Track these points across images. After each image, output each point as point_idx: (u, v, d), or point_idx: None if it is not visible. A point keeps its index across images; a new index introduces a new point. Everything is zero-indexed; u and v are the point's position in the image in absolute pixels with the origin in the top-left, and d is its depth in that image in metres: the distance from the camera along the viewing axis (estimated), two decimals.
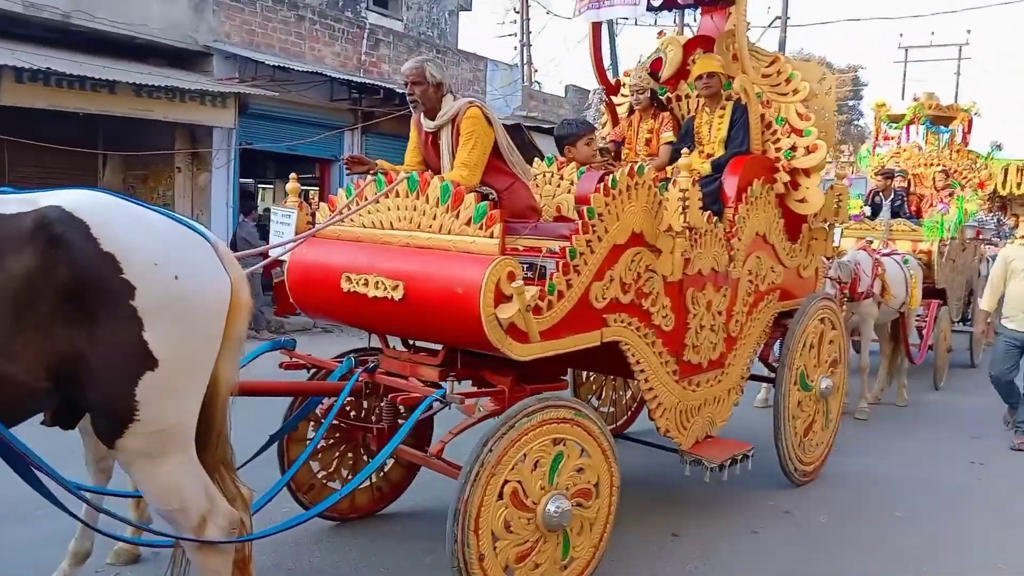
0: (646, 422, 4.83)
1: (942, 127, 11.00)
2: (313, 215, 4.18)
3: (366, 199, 3.74)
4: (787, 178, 5.02)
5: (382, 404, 3.96)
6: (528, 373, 3.79)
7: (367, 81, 13.65)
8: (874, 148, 11.29)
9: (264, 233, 9.17)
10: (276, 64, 12.28)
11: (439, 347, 3.74)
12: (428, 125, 4.12)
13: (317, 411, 3.95)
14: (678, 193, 3.89)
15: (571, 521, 3.38)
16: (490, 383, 3.72)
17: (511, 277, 3.21)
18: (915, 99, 11.01)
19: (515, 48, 29.45)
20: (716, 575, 4.01)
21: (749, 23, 5.19)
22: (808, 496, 5.15)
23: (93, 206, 2.32)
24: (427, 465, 3.84)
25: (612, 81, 5.79)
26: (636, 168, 3.83)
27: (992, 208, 11.92)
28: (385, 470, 4.52)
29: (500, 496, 3.17)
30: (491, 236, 3.29)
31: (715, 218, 4.50)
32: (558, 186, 4.84)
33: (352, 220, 3.83)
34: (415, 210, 3.56)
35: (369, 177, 3.80)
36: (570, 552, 3.45)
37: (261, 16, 12.97)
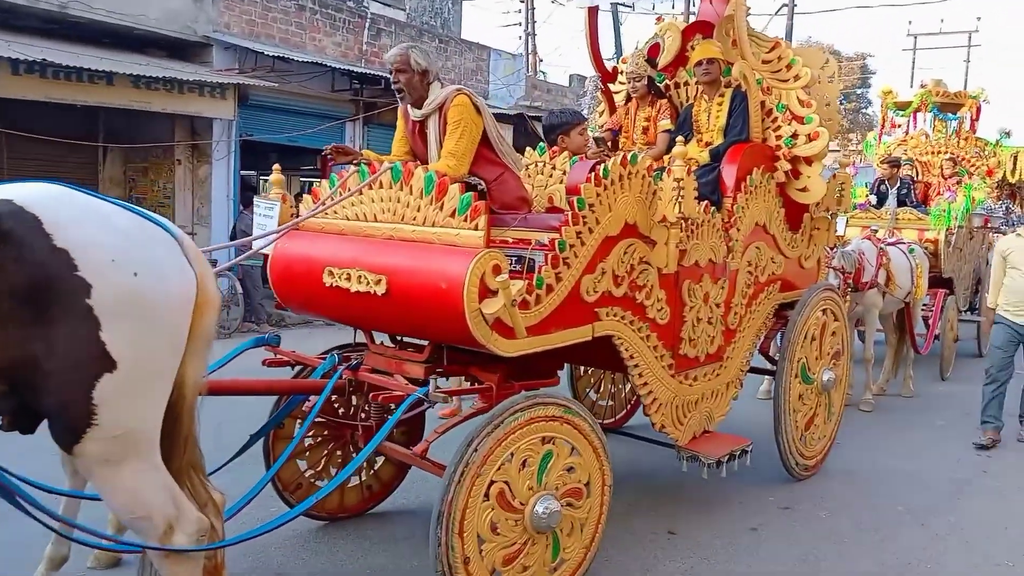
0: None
1: (950, 114, 10.80)
2: (297, 208, 4.08)
3: (349, 190, 3.62)
4: (788, 167, 4.88)
5: (369, 401, 3.86)
6: (520, 369, 3.68)
7: (368, 71, 13.53)
8: (880, 136, 11.10)
9: None
10: (276, 55, 12.18)
11: (426, 343, 3.64)
12: (415, 114, 4.00)
13: (304, 408, 3.86)
14: (672, 183, 3.77)
15: (561, 522, 3.28)
16: (480, 380, 3.62)
17: (496, 271, 3.10)
18: (922, 86, 10.81)
19: (520, 38, 29.31)
20: (713, 575, 3.90)
21: (749, 7, 5.03)
22: (809, 491, 5.03)
23: (46, 199, 2.21)
24: (415, 464, 3.74)
25: (609, 68, 5.65)
26: (629, 157, 3.70)
27: (1000, 196, 11.71)
28: (375, 468, 4.43)
29: (486, 497, 3.06)
30: (476, 228, 3.17)
31: (713, 208, 4.37)
32: (550, 176, 4.72)
33: (336, 212, 3.72)
34: (399, 202, 3.45)
35: (352, 168, 3.69)
36: (560, 554, 3.35)
37: (261, 6, 12.85)
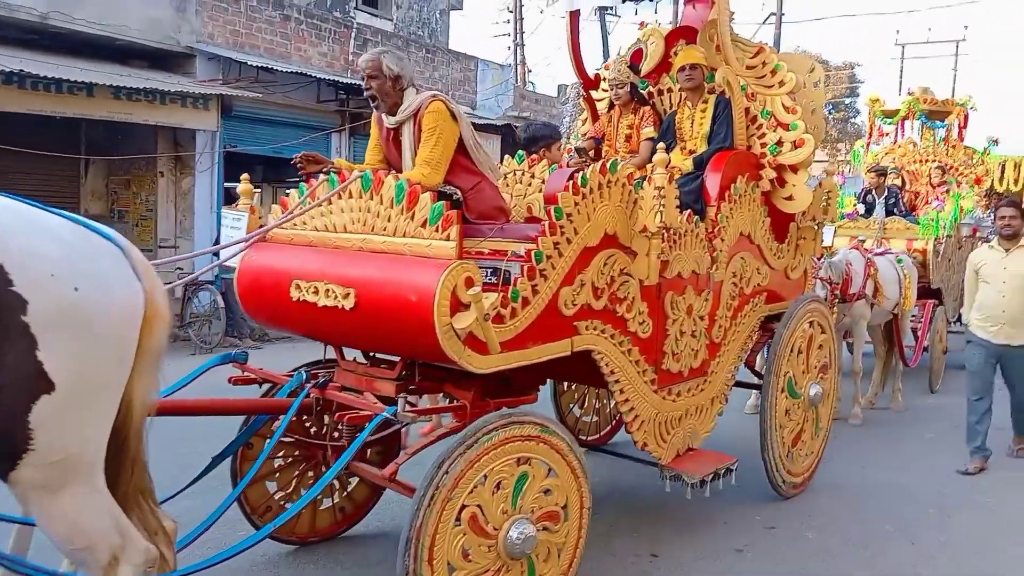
0: None
1: (937, 122, 10.75)
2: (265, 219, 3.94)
3: (318, 199, 3.49)
4: (773, 175, 4.77)
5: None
6: (497, 385, 3.56)
7: (354, 82, 13.39)
8: (868, 145, 11.04)
9: None
10: (260, 65, 12.06)
11: (397, 359, 3.50)
12: (389, 121, 3.88)
13: (273, 427, 3.71)
14: (653, 191, 3.66)
15: (536, 547, 3.13)
16: (455, 397, 3.49)
17: (469, 283, 2.97)
18: (910, 93, 10.76)
19: (508, 48, 29.29)
20: None
21: (733, 12, 4.95)
22: (796, 508, 4.90)
23: None
24: (386, 485, 3.59)
25: (592, 75, 5.54)
26: (608, 164, 3.59)
27: (989, 205, 11.65)
28: (349, 489, 4.28)
29: (457, 521, 2.93)
30: (448, 239, 3.05)
31: (696, 218, 4.26)
32: (529, 185, 4.60)
33: (305, 223, 3.58)
34: (369, 211, 3.32)
35: (322, 176, 3.56)
36: None
37: (245, 16, 12.72)
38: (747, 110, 4.76)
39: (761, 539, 4.44)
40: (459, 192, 3.78)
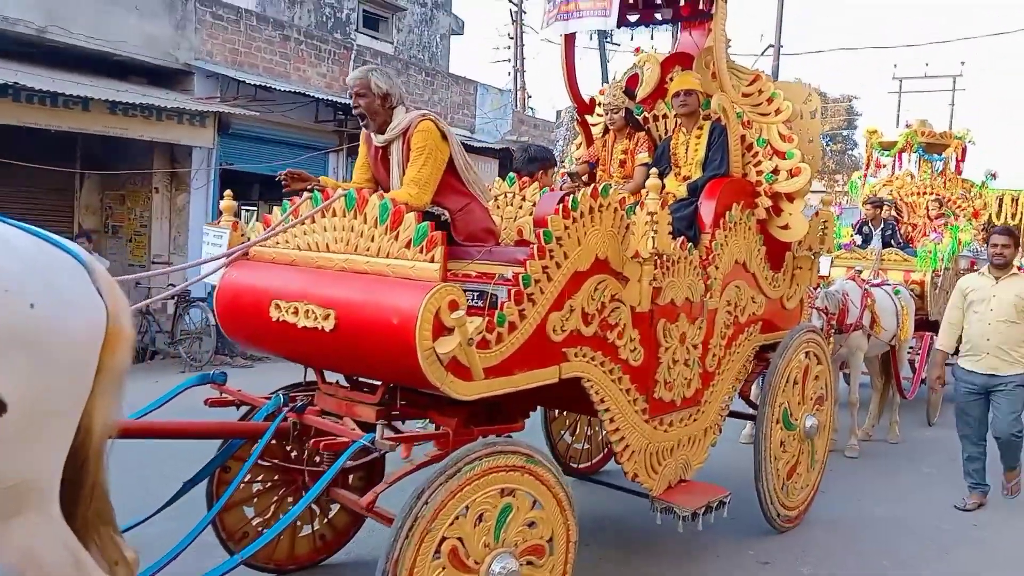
0: None
1: (935, 155, 10.72)
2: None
3: (300, 217, 3.40)
4: (769, 203, 4.70)
5: None
6: (484, 412, 3.44)
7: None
8: (865, 176, 11.00)
9: None
10: (258, 83, 12.02)
11: (379, 383, 3.39)
12: (377, 139, 3.79)
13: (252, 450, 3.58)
14: (645, 216, 3.57)
15: None
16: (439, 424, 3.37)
17: (453, 306, 2.87)
18: (907, 126, 10.74)
19: (508, 73, 29.42)
20: None
21: (729, 40, 4.90)
22: (791, 542, 4.78)
23: None
24: (365, 514, 3.47)
25: (587, 99, 5.48)
26: (600, 188, 3.50)
27: (987, 239, 11.61)
28: (330, 516, 4.15)
29: (437, 554, 2.80)
30: (432, 260, 2.95)
31: (690, 244, 4.18)
32: (519, 208, 4.52)
33: (288, 241, 3.49)
34: (352, 231, 3.22)
35: (306, 194, 3.47)
36: None
37: (245, 35, 12.72)
38: (743, 137, 4.70)
39: (755, 574, 4.30)
40: (447, 213, 3.69)
